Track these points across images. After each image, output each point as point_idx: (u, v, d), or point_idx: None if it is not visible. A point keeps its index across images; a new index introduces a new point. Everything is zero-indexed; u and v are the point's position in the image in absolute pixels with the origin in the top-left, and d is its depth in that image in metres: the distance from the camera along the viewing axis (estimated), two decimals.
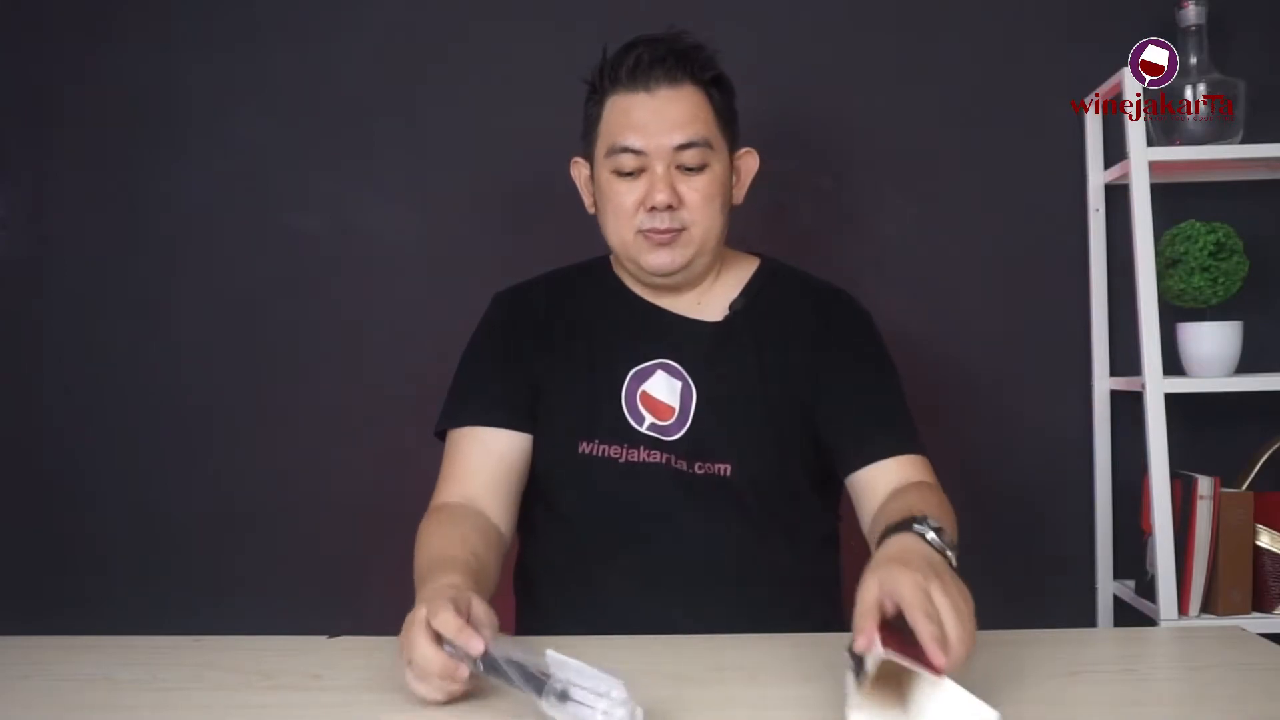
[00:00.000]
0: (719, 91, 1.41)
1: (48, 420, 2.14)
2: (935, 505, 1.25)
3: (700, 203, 1.37)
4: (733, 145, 1.43)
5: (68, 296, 2.13)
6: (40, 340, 2.14)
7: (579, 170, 1.48)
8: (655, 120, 1.36)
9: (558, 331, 1.46)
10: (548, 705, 0.92)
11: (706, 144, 1.37)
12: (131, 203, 2.13)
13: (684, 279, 1.43)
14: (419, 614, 1.01)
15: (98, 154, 2.13)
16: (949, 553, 1.07)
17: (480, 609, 1.04)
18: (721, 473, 1.37)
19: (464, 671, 0.98)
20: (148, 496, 2.12)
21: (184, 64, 2.12)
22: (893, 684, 0.92)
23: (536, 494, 1.43)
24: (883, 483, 1.35)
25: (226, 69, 2.12)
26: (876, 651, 0.89)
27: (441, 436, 1.45)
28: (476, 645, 0.97)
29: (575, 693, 0.92)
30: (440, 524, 1.32)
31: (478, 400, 1.43)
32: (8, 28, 2.13)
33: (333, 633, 1.30)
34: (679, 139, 1.36)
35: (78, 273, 2.14)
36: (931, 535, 1.07)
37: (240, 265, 2.12)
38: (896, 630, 0.95)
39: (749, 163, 1.47)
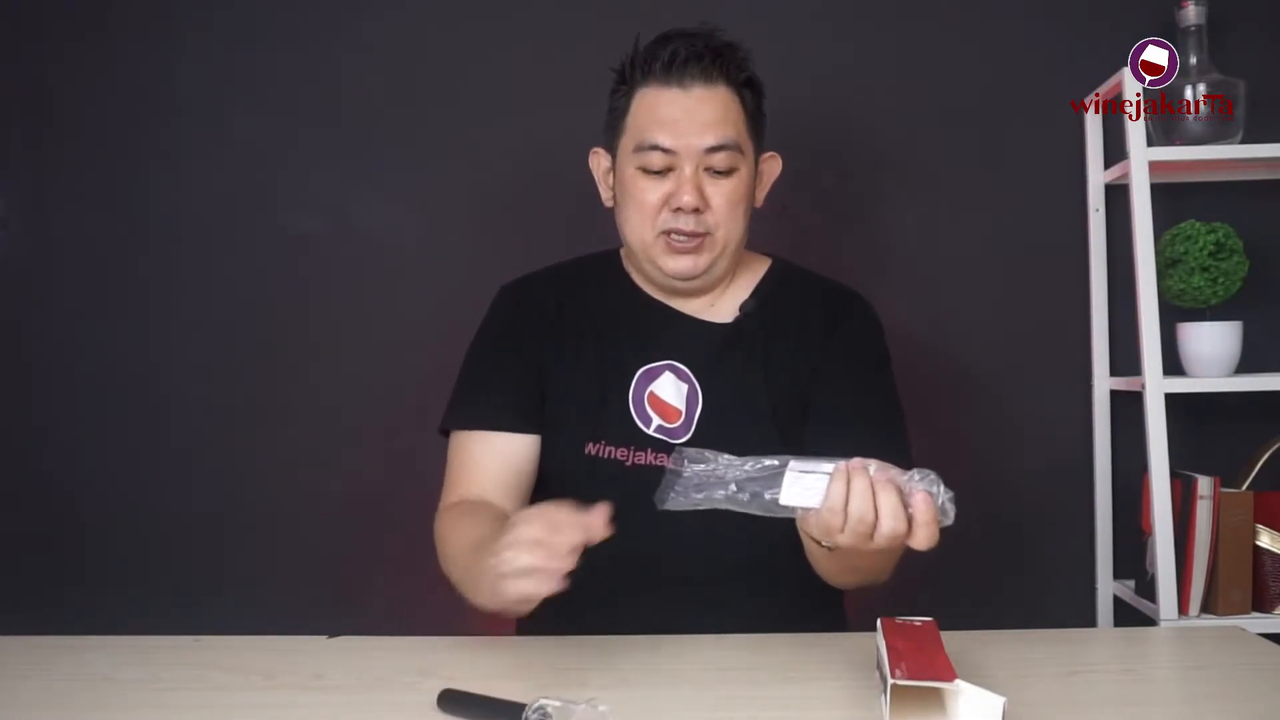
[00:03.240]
0: (751, 93, 1.39)
1: (48, 420, 2.14)
2: None
3: (726, 208, 1.36)
4: (759, 149, 1.42)
5: (68, 296, 2.13)
6: (40, 340, 2.14)
7: (598, 161, 1.46)
8: (687, 119, 1.34)
9: (566, 326, 1.44)
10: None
11: (737, 148, 1.36)
12: (131, 203, 2.13)
13: (702, 284, 1.42)
14: (511, 554, 1.04)
15: (98, 154, 2.13)
16: None
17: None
18: None
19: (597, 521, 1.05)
20: (148, 496, 2.12)
21: (184, 64, 2.12)
22: (915, 697, 0.94)
23: (542, 494, 1.42)
24: None
25: (226, 69, 2.12)
26: (890, 682, 0.92)
27: (445, 433, 1.45)
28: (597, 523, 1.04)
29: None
30: (460, 516, 1.33)
31: (486, 401, 1.42)
32: (8, 28, 2.13)
33: (333, 633, 1.30)
34: (710, 141, 1.34)
35: (78, 273, 2.13)
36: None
37: (240, 265, 2.12)
38: (906, 642, 1.00)
39: (772, 167, 1.46)
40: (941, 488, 1.02)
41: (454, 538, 1.29)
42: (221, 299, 2.12)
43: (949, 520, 1.02)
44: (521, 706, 0.98)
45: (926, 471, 1.03)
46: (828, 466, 1.04)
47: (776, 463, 1.05)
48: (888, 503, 1.01)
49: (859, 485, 1.02)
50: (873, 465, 1.04)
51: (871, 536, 1.02)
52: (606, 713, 0.94)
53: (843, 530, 1.02)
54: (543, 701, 0.97)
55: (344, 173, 2.12)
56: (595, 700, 0.95)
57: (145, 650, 1.27)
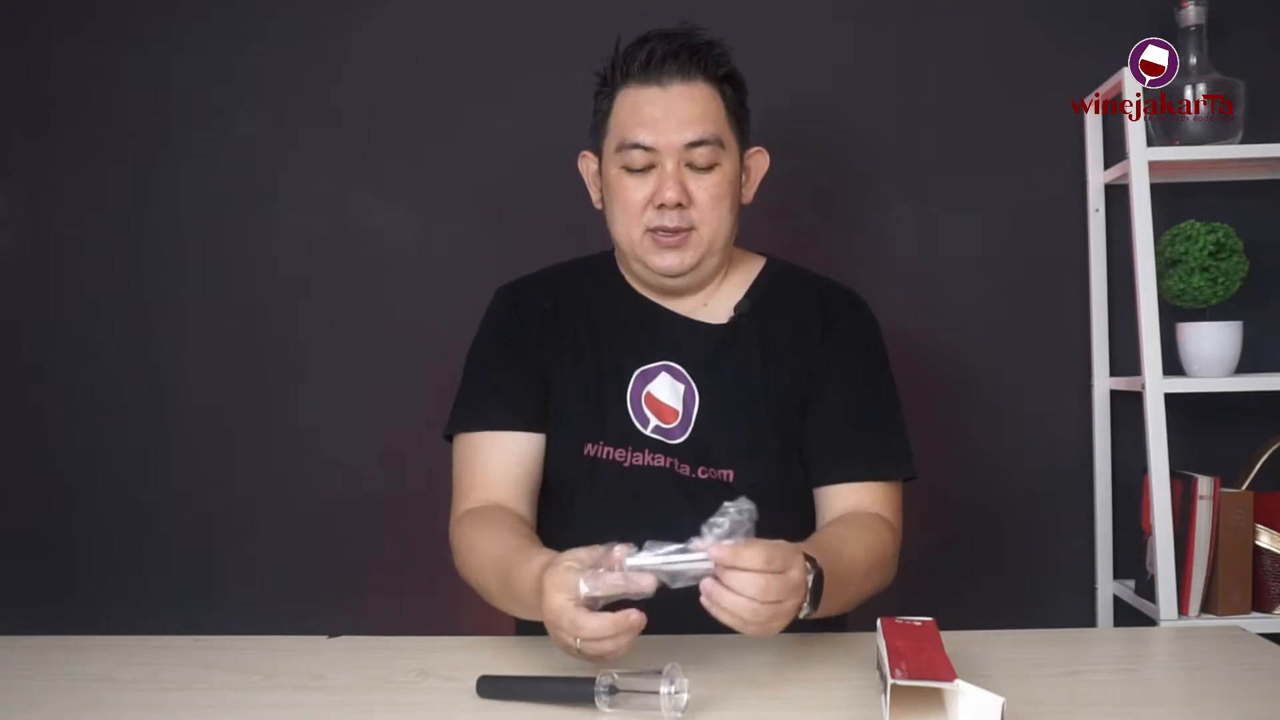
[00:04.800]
0: (732, 88, 1.40)
1: (48, 420, 2.14)
2: (859, 548, 1.27)
3: (709, 202, 1.36)
4: (743, 144, 1.42)
5: (68, 296, 2.13)
6: (40, 340, 2.14)
7: (587, 164, 1.47)
8: (666, 116, 1.35)
9: (563, 328, 1.45)
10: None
11: (718, 142, 1.36)
12: (131, 203, 2.13)
13: (691, 281, 1.42)
14: (553, 600, 1.05)
15: (98, 154, 2.13)
16: (805, 600, 1.11)
17: (585, 554, 1.07)
18: (725, 478, 1.37)
19: (635, 617, 1.03)
20: (148, 496, 2.12)
21: (184, 63, 2.12)
22: (915, 697, 0.95)
23: (543, 494, 1.43)
24: (839, 506, 1.37)
25: (226, 68, 2.12)
26: (890, 682, 0.93)
27: (449, 439, 1.45)
28: (646, 581, 1.03)
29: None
30: (483, 524, 1.33)
31: (491, 403, 1.42)
32: (8, 28, 2.13)
33: (333, 633, 1.30)
34: (690, 136, 1.35)
35: (77, 272, 2.13)
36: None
37: (240, 265, 2.12)
38: (906, 642, 1.00)
39: (759, 162, 1.46)
40: (728, 517, 1.05)
41: (478, 551, 1.30)
42: (221, 299, 2.12)
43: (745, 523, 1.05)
44: (590, 681, 1.02)
45: (715, 520, 1.05)
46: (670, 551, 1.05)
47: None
48: (736, 581, 1.03)
49: (715, 597, 1.03)
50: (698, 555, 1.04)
51: (770, 591, 1.03)
52: (680, 688, 1.00)
53: (759, 615, 1.04)
54: (613, 676, 1.02)
55: (344, 173, 2.12)
56: (673, 672, 1.00)
57: (145, 650, 1.27)
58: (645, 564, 1.03)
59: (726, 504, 1.06)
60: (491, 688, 1.07)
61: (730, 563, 1.03)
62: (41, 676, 1.18)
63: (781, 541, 1.07)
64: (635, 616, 1.03)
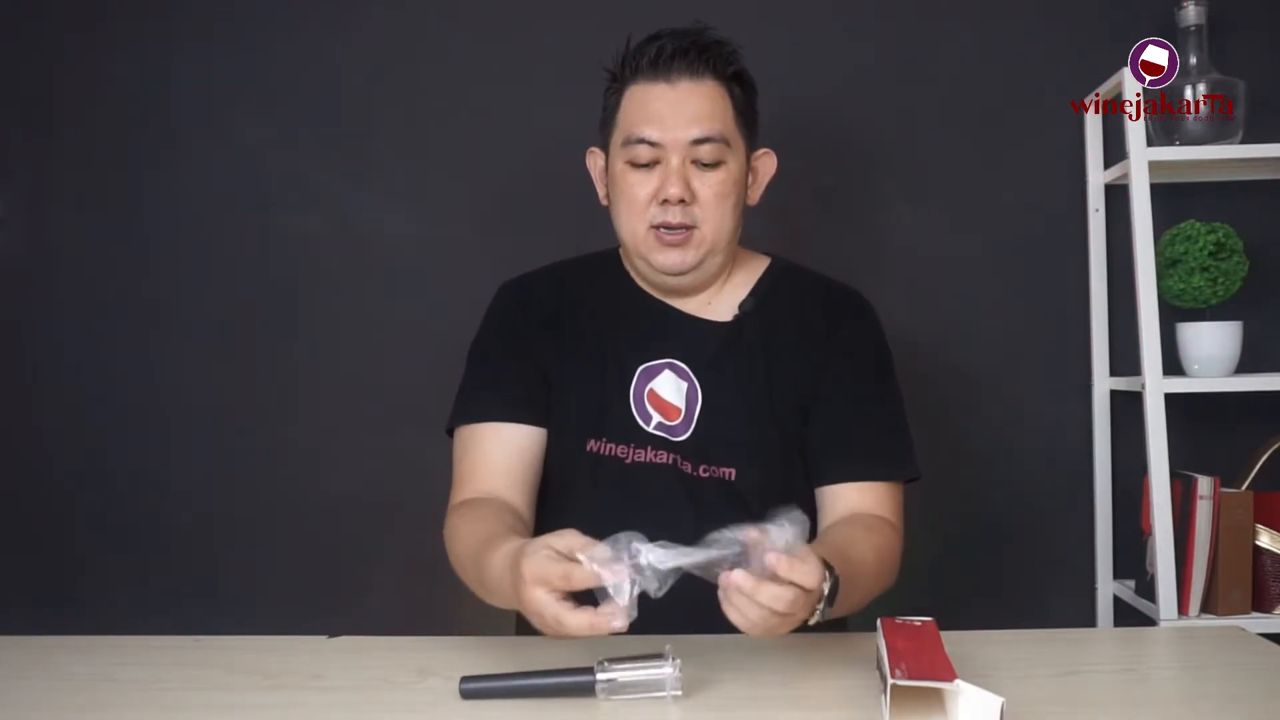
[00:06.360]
0: (740, 88, 1.40)
1: (47, 420, 2.14)
2: (868, 550, 1.26)
3: (713, 200, 1.36)
4: (751, 144, 1.42)
5: (67, 296, 2.13)
6: (40, 339, 2.14)
7: (594, 160, 1.47)
8: (673, 112, 1.35)
9: (566, 324, 1.45)
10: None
11: (724, 140, 1.36)
12: (131, 203, 2.13)
13: (695, 280, 1.42)
14: (532, 593, 1.01)
15: (97, 154, 2.13)
16: (819, 606, 1.08)
17: (563, 542, 1.03)
18: (726, 476, 1.37)
19: (619, 623, 1.00)
20: (148, 496, 2.12)
21: (183, 64, 2.12)
22: (915, 697, 0.95)
23: (543, 490, 1.43)
24: (842, 506, 1.36)
25: (226, 69, 2.12)
26: (890, 682, 0.93)
27: (450, 433, 1.45)
28: (620, 572, 1.00)
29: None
30: (468, 513, 1.33)
31: (492, 395, 1.42)
32: (7, 28, 2.13)
33: (333, 633, 1.30)
34: (696, 133, 1.35)
35: (77, 272, 2.13)
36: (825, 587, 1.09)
37: (240, 265, 2.12)
38: (906, 642, 1.01)
39: (767, 164, 1.46)
40: (785, 527, 1.02)
41: (458, 540, 1.30)
42: (221, 298, 2.12)
43: (795, 532, 1.02)
44: (587, 670, 1.03)
45: (779, 521, 1.02)
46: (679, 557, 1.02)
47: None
48: (764, 594, 1.00)
49: (739, 604, 1.01)
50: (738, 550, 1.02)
51: (796, 605, 1.02)
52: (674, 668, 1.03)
53: (768, 621, 1.02)
54: (608, 666, 1.04)
55: (344, 173, 2.12)
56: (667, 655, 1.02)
57: (145, 650, 1.27)
58: (665, 562, 1.00)
59: (788, 511, 1.03)
60: (477, 687, 1.06)
61: (787, 575, 1.00)
62: (42, 676, 1.18)
63: (810, 551, 1.05)
64: (619, 623, 1.00)
